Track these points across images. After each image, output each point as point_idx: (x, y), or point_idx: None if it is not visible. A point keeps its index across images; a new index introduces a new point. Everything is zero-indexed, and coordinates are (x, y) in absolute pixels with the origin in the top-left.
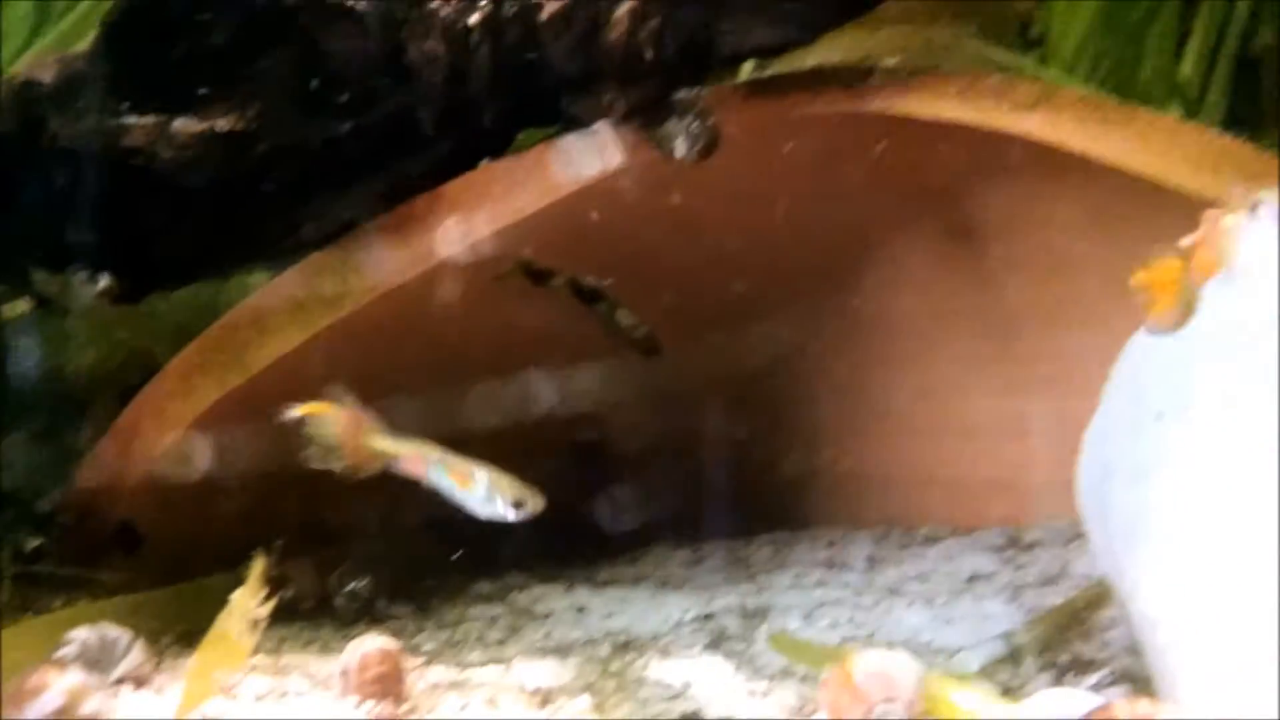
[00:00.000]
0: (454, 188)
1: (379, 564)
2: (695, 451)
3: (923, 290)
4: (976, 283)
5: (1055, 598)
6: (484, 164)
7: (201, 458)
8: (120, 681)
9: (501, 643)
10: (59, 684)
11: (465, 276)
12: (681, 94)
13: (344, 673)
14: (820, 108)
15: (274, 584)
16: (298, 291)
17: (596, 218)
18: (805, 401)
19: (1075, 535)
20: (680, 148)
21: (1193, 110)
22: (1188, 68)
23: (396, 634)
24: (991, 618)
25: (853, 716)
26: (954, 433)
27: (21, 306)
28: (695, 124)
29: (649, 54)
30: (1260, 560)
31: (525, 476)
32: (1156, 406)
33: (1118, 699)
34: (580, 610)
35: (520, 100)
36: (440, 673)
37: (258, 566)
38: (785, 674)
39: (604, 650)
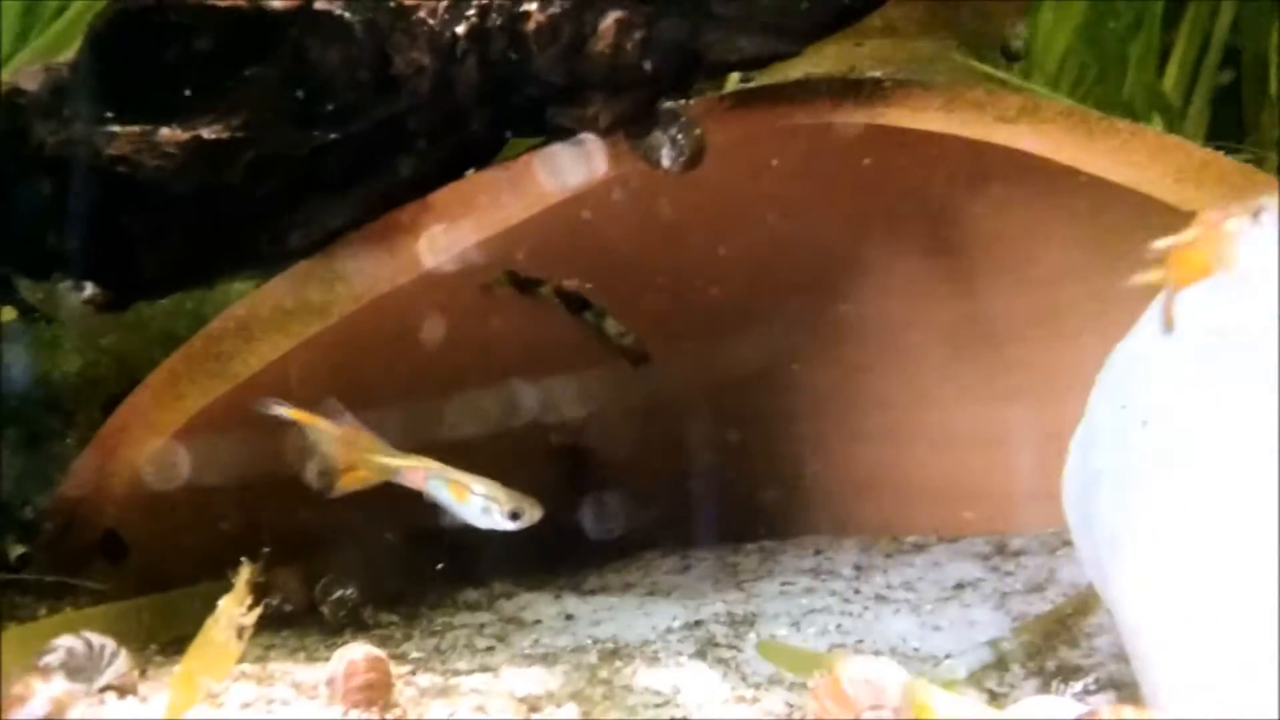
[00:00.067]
0: (440, 197)
1: (366, 572)
2: (683, 459)
3: (908, 299)
4: (962, 292)
5: (1042, 605)
6: (470, 173)
7: (187, 466)
8: (105, 690)
9: (489, 650)
10: (44, 692)
11: (451, 285)
12: (667, 104)
13: (331, 681)
14: (806, 119)
15: (260, 592)
16: (284, 300)
17: (583, 227)
18: (792, 410)
19: (1061, 543)
20: (666, 158)
21: (1175, 123)
22: (1170, 81)
23: (383, 642)
24: (978, 625)
25: None
26: (940, 441)
27: (7, 314)
28: (681, 134)
29: (635, 64)
30: (1244, 567)
31: (512, 485)
32: (1141, 414)
33: (1104, 705)
34: (568, 618)
35: (507, 110)
36: (427, 680)
37: (244, 574)
38: (773, 681)
39: (592, 657)
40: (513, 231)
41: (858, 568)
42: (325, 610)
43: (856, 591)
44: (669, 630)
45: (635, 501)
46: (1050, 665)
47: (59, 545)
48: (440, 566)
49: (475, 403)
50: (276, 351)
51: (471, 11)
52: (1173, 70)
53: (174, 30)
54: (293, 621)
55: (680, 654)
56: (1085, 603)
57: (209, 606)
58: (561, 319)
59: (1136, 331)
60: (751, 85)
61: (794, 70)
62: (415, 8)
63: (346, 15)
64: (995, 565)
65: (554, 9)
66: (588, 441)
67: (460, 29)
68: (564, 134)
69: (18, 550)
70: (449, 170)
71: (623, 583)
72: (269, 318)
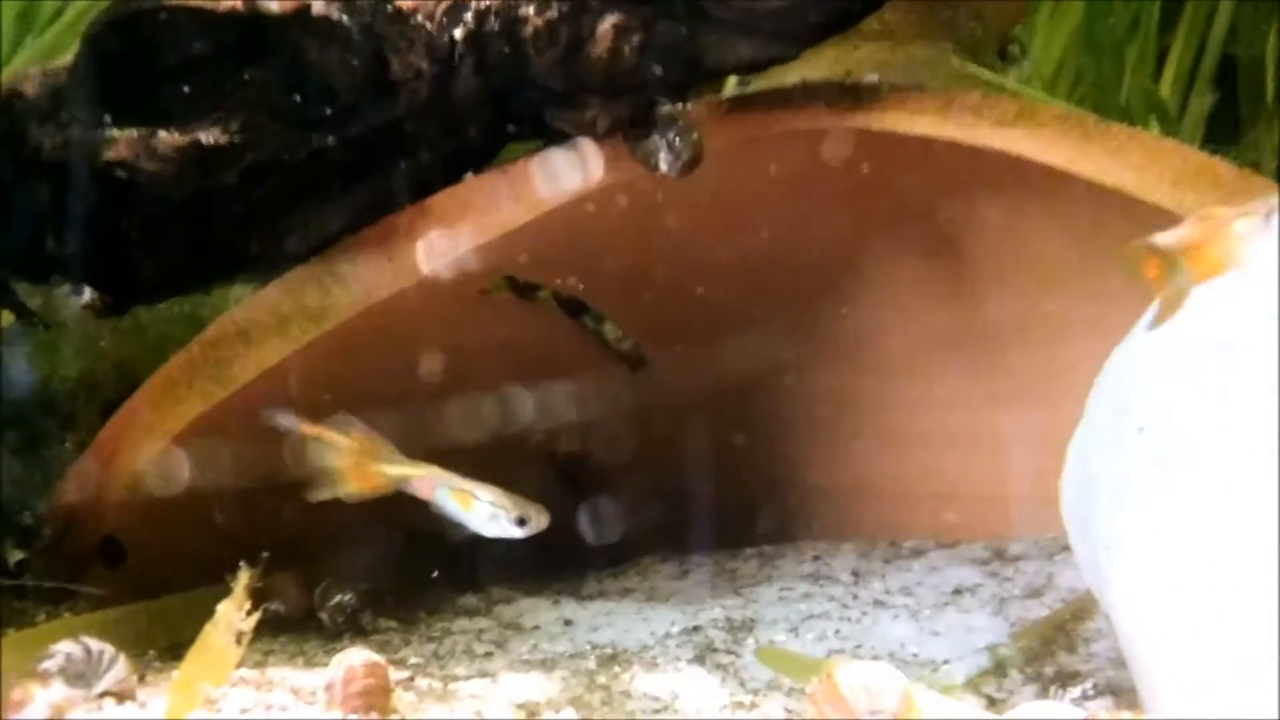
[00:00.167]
0: (438, 201)
1: (364, 577)
2: (681, 465)
3: (906, 304)
4: (959, 297)
5: (1040, 610)
6: (468, 178)
7: (185, 471)
8: (104, 695)
9: (488, 656)
10: (42, 697)
11: (449, 290)
12: (665, 109)
13: (329, 686)
14: (803, 123)
15: (259, 597)
16: (282, 304)
17: (581, 231)
18: (790, 415)
19: (1060, 548)
20: (664, 162)
21: (1172, 127)
22: (1167, 85)
23: (382, 647)
24: (977, 630)
25: None
26: (938, 446)
27: (5, 319)
28: (678, 139)
29: (633, 69)
30: (1242, 572)
31: (509, 489)
32: (1138, 419)
33: (1102, 710)
34: (567, 623)
35: (504, 114)
36: (426, 686)
37: (243, 579)
38: (772, 686)
39: (590, 663)
40: (511, 236)
41: (856, 573)
42: (324, 616)
43: (855, 597)
44: (667, 636)
45: (633, 506)
46: (1049, 670)
47: (57, 550)
48: (435, 575)
49: (472, 407)
50: (274, 356)
51: (469, 16)
52: (1169, 74)
53: (171, 34)
54: (291, 627)
55: (679, 659)
56: (1084, 608)
57: (207, 612)
58: (560, 324)
59: (1134, 335)
60: (749, 89)
61: (791, 74)
62: (413, 12)
63: (344, 20)
64: (994, 570)
65: (551, 13)
66: (585, 446)
67: (458, 33)
68: (561, 138)
69: (16, 555)
70: (446, 174)
71: (621, 588)
72: (267, 322)
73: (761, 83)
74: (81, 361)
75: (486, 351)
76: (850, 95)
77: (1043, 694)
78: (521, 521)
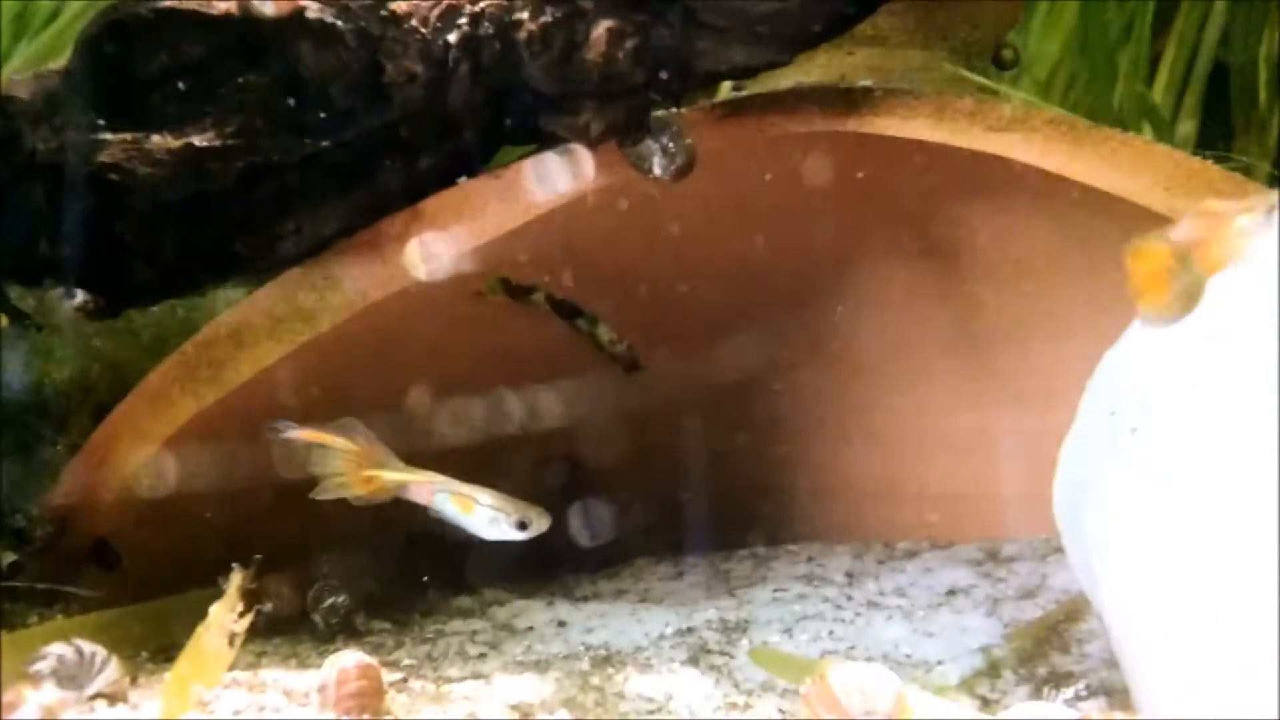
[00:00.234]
0: (432, 205)
1: (357, 579)
2: (675, 467)
3: (899, 306)
4: (952, 299)
5: (1033, 611)
6: (462, 181)
7: (178, 473)
8: (96, 697)
9: (481, 657)
10: (34, 699)
11: (443, 293)
12: (659, 113)
13: (322, 688)
14: (796, 127)
15: (251, 598)
16: (275, 307)
17: (574, 235)
18: (783, 417)
19: (1053, 549)
20: (657, 166)
21: (1164, 132)
22: (1159, 90)
23: (375, 649)
24: (970, 631)
25: None
26: (932, 447)
27: None
28: (672, 143)
29: (627, 73)
30: (1234, 573)
31: (503, 491)
32: (1131, 421)
33: (1095, 711)
34: (560, 624)
35: (498, 118)
36: (419, 687)
37: (235, 581)
38: (766, 687)
39: (584, 664)
40: (504, 239)
41: (850, 574)
42: (317, 617)
43: (849, 598)
44: (661, 637)
45: (627, 508)
46: (1042, 671)
47: (50, 552)
48: (426, 579)
49: (466, 410)
50: (268, 359)
51: (463, 20)
52: (1162, 79)
53: (166, 38)
54: (284, 628)
55: (673, 661)
56: (1077, 609)
57: (200, 614)
58: (554, 326)
59: (1126, 337)
60: (743, 94)
61: (785, 79)
62: (407, 16)
63: (339, 23)
64: (987, 571)
65: (546, 18)
66: (579, 448)
67: (452, 37)
68: (555, 142)
69: (9, 557)
70: (440, 178)
71: (615, 589)
72: (260, 325)
73: (756, 87)
74: (75, 364)
75: (479, 354)
76: (844, 100)
77: (1036, 695)
78: (523, 525)
